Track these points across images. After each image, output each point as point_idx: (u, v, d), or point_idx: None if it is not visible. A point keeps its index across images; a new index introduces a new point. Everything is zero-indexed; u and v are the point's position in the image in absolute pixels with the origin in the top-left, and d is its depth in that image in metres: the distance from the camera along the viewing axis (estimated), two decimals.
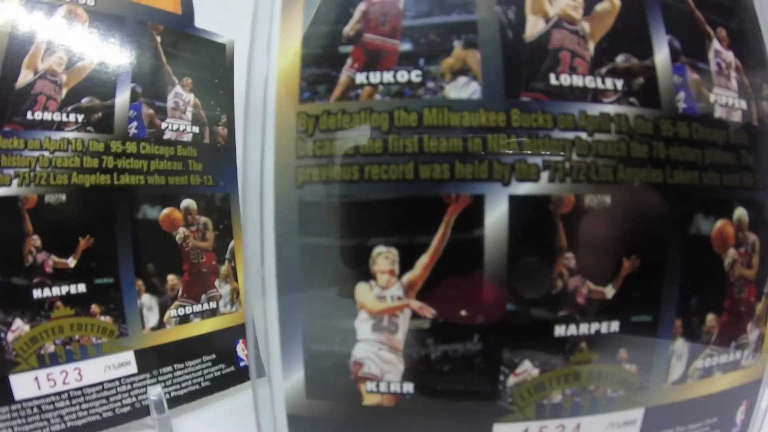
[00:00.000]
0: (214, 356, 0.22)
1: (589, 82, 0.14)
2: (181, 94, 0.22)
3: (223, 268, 0.23)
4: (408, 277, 0.13)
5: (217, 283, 0.23)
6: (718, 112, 0.16)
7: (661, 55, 0.15)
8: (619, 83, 0.14)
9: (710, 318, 0.16)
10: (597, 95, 0.14)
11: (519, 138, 0.13)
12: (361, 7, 0.14)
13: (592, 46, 0.14)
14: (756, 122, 0.17)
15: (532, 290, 0.13)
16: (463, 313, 0.13)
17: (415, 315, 0.13)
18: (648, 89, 0.14)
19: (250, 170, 0.14)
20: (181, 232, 0.21)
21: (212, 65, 0.23)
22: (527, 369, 0.14)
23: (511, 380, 0.14)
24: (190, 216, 0.22)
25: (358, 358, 0.14)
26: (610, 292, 0.14)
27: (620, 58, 0.14)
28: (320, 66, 0.14)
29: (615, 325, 0.14)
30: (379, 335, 0.14)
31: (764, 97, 0.18)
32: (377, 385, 0.14)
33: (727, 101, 0.16)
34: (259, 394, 0.15)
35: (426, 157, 0.13)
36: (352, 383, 0.14)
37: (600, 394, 0.15)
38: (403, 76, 0.13)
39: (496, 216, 0.13)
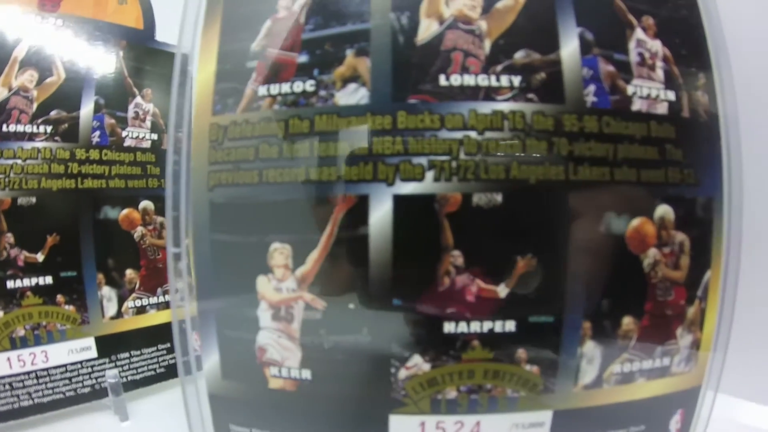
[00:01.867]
0: (168, 345, 0.26)
1: (482, 80, 0.15)
2: (141, 104, 0.25)
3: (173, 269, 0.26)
4: (300, 271, 0.15)
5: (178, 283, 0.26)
6: (637, 105, 0.16)
7: (569, 49, 0.16)
8: (516, 80, 0.15)
9: (627, 321, 0.17)
10: (490, 93, 0.15)
11: (404, 139, 0.15)
12: (267, 24, 0.16)
13: (488, 44, 0.15)
14: (687, 114, 0.17)
15: (416, 287, 0.15)
16: (351, 306, 0.15)
17: (309, 306, 0.15)
18: (550, 84, 0.15)
19: (170, 175, 0.16)
20: (139, 230, 0.25)
21: (171, 75, 0.26)
22: (418, 363, 0.15)
23: (403, 373, 0.15)
24: (148, 216, 0.25)
25: (261, 344, 0.16)
26: (503, 291, 0.15)
27: (519, 54, 0.16)
28: (230, 81, 0.16)
29: (510, 325, 0.15)
30: (278, 324, 0.16)
31: (700, 87, 0.18)
32: (279, 370, 0.16)
33: (649, 93, 0.17)
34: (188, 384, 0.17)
35: (316, 160, 0.15)
36: (258, 367, 0.16)
37: (499, 394, 0.16)
38: (298, 86, 0.15)
39: (380, 215, 0.15)
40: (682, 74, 0.17)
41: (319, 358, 0.16)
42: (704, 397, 0.19)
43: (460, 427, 0.16)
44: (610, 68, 0.16)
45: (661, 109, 0.17)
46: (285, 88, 0.16)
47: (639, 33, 0.17)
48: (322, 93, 0.15)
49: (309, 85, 0.15)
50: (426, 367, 0.15)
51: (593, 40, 0.16)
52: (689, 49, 0.18)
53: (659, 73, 0.17)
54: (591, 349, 0.16)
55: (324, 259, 0.15)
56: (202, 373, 0.17)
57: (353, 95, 0.15)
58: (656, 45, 0.17)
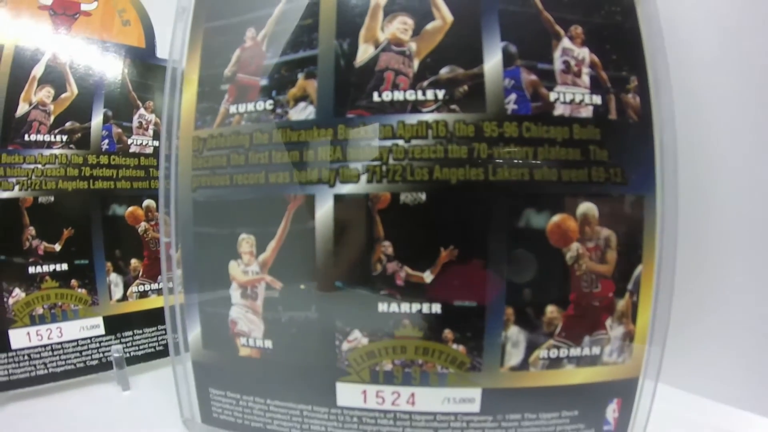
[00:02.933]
0: (166, 326, 0.32)
1: (410, 95, 0.20)
2: (144, 115, 0.33)
3: (177, 255, 0.33)
4: (262, 257, 0.21)
5: (172, 267, 0.33)
6: (560, 110, 0.21)
7: (492, 62, 0.21)
8: (440, 93, 0.20)
9: (551, 310, 0.21)
10: (417, 106, 0.20)
11: (343, 148, 0.20)
12: (237, 52, 0.22)
13: (417, 62, 0.21)
14: (614, 116, 0.21)
15: (353, 271, 0.20)
16: (302, 286, 0.21)
17: (269, 286, 0.21)
18: (472, 95, 0.20)
19: (163, 179, 0.23)
20: (143, 225, 0.33)
21: None
22: (358, 337, 0.21)
23: (345, 345, 0.21)
24: (150, 213, 0.33)
25: (233, 318, 0.22)
26: (428, 277, 0.20)
27: (444, 70, 0.21)
28: (208, 101, 0.23)
29: (437, 308, 0.20)
30: (245, 301, 0.22)
31: (631, 90, 0.21)
32: (247, 340, 0.22)
33: (573, 98, 0.21)
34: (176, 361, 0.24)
35: (273, 166, 0.21)
36: (231, 338, 0.23)
37: (430, 369, 0.21)
38: (260, 105, 0.21)
39: (323, 211, 0.20)
40: (611, 78, 0.21)
41: (278, 331, 0.22)
42: (642, 389, 0.22)
43: (397, 397, 0.22)
44: (533, 77, 0.21)
45: (586, 112, 0.21)
46: (250, 107, 0.22)
47: (566, 42, 0.21)
48: (279, 111, 0.21)
49: (268, 104, 0.21)
50: (365, 341, 0.21)
51: (516, 53, 0.21)
52: (621, 53, 0.22)
53: (585, 79, 0.21)
54: (515, 333, 0.21)
55: (280, 247, 0.21)
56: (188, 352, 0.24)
57: (303, 112, 0.21)
58: (584, 52, 0.21)
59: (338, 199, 0.20)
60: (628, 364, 0.22)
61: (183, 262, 0.23)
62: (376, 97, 0.20)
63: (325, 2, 0.22)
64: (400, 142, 0.20)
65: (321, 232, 0.21)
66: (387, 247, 0.20)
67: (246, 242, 0.22)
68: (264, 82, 0.22)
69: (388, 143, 0.20)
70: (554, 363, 0.21)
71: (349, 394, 0.22)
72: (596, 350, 0.22)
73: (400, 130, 0.20)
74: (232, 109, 0.22)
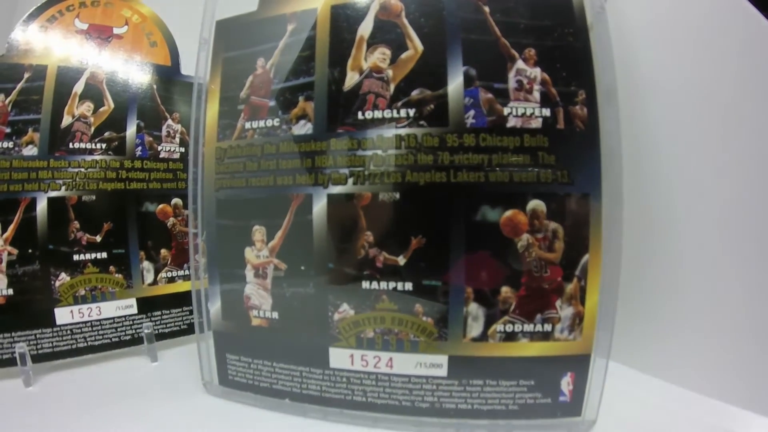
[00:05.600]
0: (191, 308, 0.42)
1: (387, 114, 0.29)
2: (172, 125, 0.44)
3: (201, 246, 0.44)
4: (271, 243, 0.31)
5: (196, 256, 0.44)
6: (512, 122, 0.29)
7: (455, 84, 0.29)
8: (411, 111, 0.29)
9: (505, 290, 0.29)
10: (392, 122, 0.29)
11: (334, 157, 0.29)
12: (250, 78, 0.32)
13: (393, 86, 0.29)
14: (562, 126, 0.29)
15: (342, 256, 0.29)
16: (302, 268, 0.30)
17: (276, 268, 0.30)
18: (437, 112, 0.29)
19: (192, 181, 0.33)
20: (171, 221, 0.44)
21: None
22: (346, 309, 0.30)
23: (336, 316, 0.30)
24: (178, 210, 0.44)
25: (247, 294, 0.32)
26: (402, 260, 0.29)
27: (414, 92, 0.29)
28: (228, 118, 0.32)
29: (409, 286, 0.29)
30: (257, 279, 0.31)
31: (579, 102, 0.29)
32: (258, 312, 0.31)
33: (524, 112, 0.29)
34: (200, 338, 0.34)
35: (280, 171, 0.30)
36: (245, 310, 0.32)
37: (404, 337, 0.29)
38: (269, 122, 0.31)
39: (319, 207, 0.29)
40: (560, 93, 0.29)
41: (283, 304, 0.31)
42: (594, 365, 0.30)
43: (378, 360, 0.30)
44: (489, 95, 0.29)
45: (536, 123, 0.29)
46: (261, 123, 0.31)
47: (519, 63, 0.29)
48: (284, 127, 0.30)
49: (275, 122, 0.31)
50: (351, 312, 0.30)
51: (476, 75, 0.29)
52: (570, 70, 0.29)
53: (536, 95, 0.29)
54: (475, 309, 0.29)
55: (285, 236, 0.30)
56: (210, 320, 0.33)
57: (303, 128, 0.30)
58: (536, 72, 0.29)
59: (330, 197, 0.29)
60: (579, 342, 0.30)
61: (207, 249, 0.33)
62: (360, 115, 0.29)
63: (320, 36, 0.31)
64: (379, 151, 0.29)
65: (317, 224, 0.30)
66: (369, 236, 0.29)
67: (258, 232, 0.31)
68: (272, 103, 0.31)
69: (369, 153, 0.29)
70: (510, 336, 0.29)
71: (339, 357, 0.30)
72: (548, 327, 0.29)
73: (379, 141, 0.29)
74: (247, 125, 0.32)
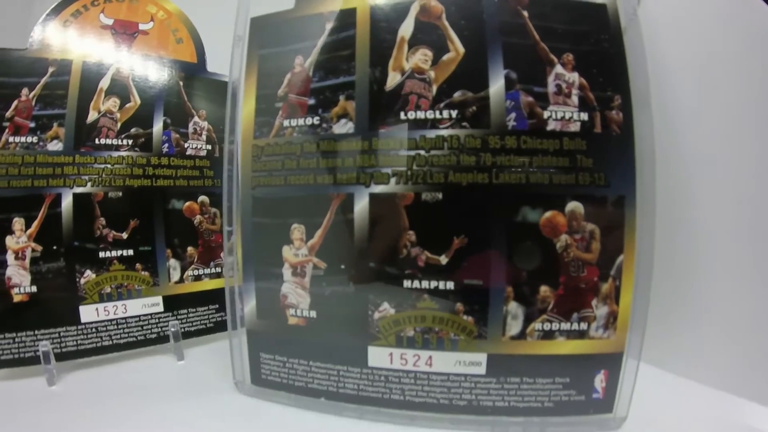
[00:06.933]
0: (217, 306, 0.43)
1: (429, 114, 0.29)
2: (198, 122, 0.43)
3: (227, 244, 0.43)
4: (310, 242, 0.30)
5: (222, 254, 0.43)
6: (551, 126, 0.29)
7: (496, 87, 0.29)
8: (454, 113, 0.28)
9: (544, 289, 0.29)
10: (435, 123, 0.28)
11: (376, 156, 0.28)
12: (288, 76, 0.31)
13: (435, 88, 0.29)
14: (599, 129, 0.29)
15: (384, 255, 0.28)
16: (342, 266, 0.29)
17: (315, 266, 0.30)
18: (479, 114, 0.28)
19: (228, 179, 0.32)
20: (198, 218, 0.42)
21: (220, 99, 0.42)
22: (386, 308, 0.29)
23: (376, 315, 0.29)
24: (204, 207, 0.43)
25: (284, 293, 0.31)
26: (444, 260, 0.28)
27: (457, 94, 0.29)
28: (265, 116, 0.31)
29: (450, 285, 0.29)
30: (295, 278, 0.30)
31: (614, 107, 0.29)
32: (295, 311, 0.31)
33: (563, 115, 0.29)
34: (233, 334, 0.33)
35: (320, 170, 0.29)
36: (281, 309, 0.31)
37: (444, 336, 0.29)
38: (308, 120, 0.30)
39: (360, 206, 0.29)
40: (597, 98, 0.29)
41: (322, 303, 0.30)
42: (627, 362, 0.30)
43: (417, 359, 0.30)
44: (530, 99, 0.29)
45: (574, 127, 0.29)
46: (300, 121, 0.30)
47: (558, 68, 0.29)
48: (324, 125, 0.30)
49: (315, 120, 0.30)
50: (392, 311, 0.29)
51: (516, 78, 0.29)
52: (606, 75, 0.29)
53: (574, 99, 0.29)
54: (514, 308, 0.29)
55: (325, 234, 0.29)
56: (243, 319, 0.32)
57: (344, 127, 0.29)
58: (573, 76, 0.29)
59: (372, 197, 0.29)
60: (612, 340, 0.30)
61: (242, 247, 0.32)
62: (402, 116, 0.29)
63: (360, 36, 0.30)
64: (422, 152, 0.28)
65: (358, 223, 0.29)
66: (411, 235, 0.29)
67: (297, 230, 0.30)
68: (311, 101, 0.30)
69: (412, 153, 0.29)
70: (547, 335, 0.29)
71: (378, 356, 0.30)
72: (584, 326, 0.29)
73: (422, 142, 0.29)
74: (285, 123, 0.31)
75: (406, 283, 0.29)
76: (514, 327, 0.29)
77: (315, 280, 0.30)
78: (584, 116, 0.29)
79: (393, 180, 0.29)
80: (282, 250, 0.31)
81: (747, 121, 0.34)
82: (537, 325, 0.29)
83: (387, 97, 0.29)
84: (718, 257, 0.35)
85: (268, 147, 0.31)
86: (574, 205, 0.29)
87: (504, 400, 0.30)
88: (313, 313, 0.31)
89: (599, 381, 0.30)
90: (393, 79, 0.29)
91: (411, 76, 0.29)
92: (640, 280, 0.29)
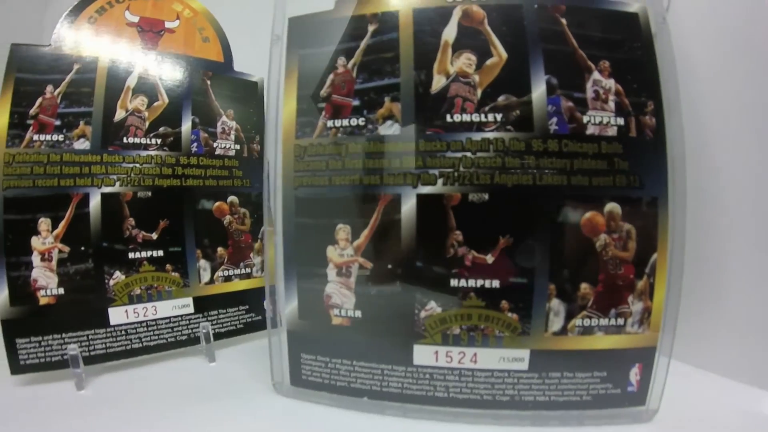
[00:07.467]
0: (247, 307, 0.43)
1: (475, 117, 0.29)
2: (226, 122, 0.42)
3: (257, 245, 0.44)
4: (356, 242, 0.30)
5: (252, 255, 0.44)
6: (590, 130, 0.29)
7: (538, 92, 0.29)
8: (499, 116, 0.29)
9: (584, 286, 0.30)
10: (480, 126, 0.29)
11: (423, 158, 0.28)
12: (331, 77, 0.31)
13: (479, 91, 0.29)
14: (634, 134, 0.30)
15: (432, 254, 0.28)
16: (389, 266, 0.29)
17: (361, 266, 0.30)
18: (523, 118, 0.29)
19: (268, 178, 0.31)
20: (227, 218, 0.42)
21: (247, 98, 0.43)
22: (433, 307, 0.29)
23: (423, 314, 0.29)
24: (234, 207, 0.42)
25: (328, 293, 0.31)
26: (490, 259, 0.29)
27: (501, 98, 0.29)
28: (306, 116, 0.31)
29: (496, 283, 0.29)
30: (340, 278, 0.30)
31: (648, 113, 0.30)
32: (339, 311, 0.31)
33: (601, 120, 0.30)
34: (272, 333, 0.32)
35: (366, 171, 0.29)
36: (325, 309, 0.31)
37: (489, 333, 0.30)
38: (353, 121, 0.30)
39: (408, 207, 0.29)
40: (632, 104, 0.30)
41: (367, 302, 0.30)
42: (659, 357, 0.31)
43: (462, 356, 0.30)
44: (570, 104, 0.29)
45: (611, 132, 0.30)
46: (345, 122, 0.30)
47: (596, 75, 0.30)
48: (369, 126, 0.30)
49: (360, 121, 0.30)
50: (439, 310, 0.29)
51: (557, 84, 0.30)
52: (640, 82, 0.30)
53: (611, 105, 0.30)
54: (556, 305, 0.30)
55: (372, 235, 0.29)
56: (283, 319, 0.32)
57: (390, 128, 0.29)
58: (610, 83, 0.30)
59: (420, 197, 0.29)
60: (647, 335, 0.31)
61: (284, 247, 0.32)
62: (448, 118, 0.29)
63: (404, 39, 0.30)
64: (468, 153, 0.29)
65: (406, 223, 0.29)
66: (458, 235, 0.29)
67: (343, 230, 0.30)
68: (356, 102, 0.30)
69: (459, 155, 0.29)
70: (587, 330, 0.30)
71: (423, 354, 0.30)
72: (620, 321, 0.30)
73: (468, 144, 0.29)
74: (329, 123, 0.31)
75: (453, 282, 0.29)
76: (555, 323, 0.30)
77: (361, 279, 0.30)
78: (620, 121, 0.30)
79: (440, 181, 0.29)
80: (326, 251, 0.31)
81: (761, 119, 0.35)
82: (577, 321, 0.30)
83: (433, 100, 0.30)
84: (744, 255, 0.37)
85: (312, 147, 0.31)
86: (612, 206, 0.30)
87: (545, 394, 0.30)
88: (358, 313, 0.31)
89: (634, 374, 0.31)
90: (438, 82, 0.30)
91: (456, 79, 0.30)
92: (672, 277, 0.31)
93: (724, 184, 0.38)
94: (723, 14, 0.37)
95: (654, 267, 0.30)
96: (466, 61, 0.30)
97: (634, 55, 0.31)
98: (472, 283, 0.29)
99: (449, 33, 0.30)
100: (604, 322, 0.30)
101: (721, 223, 0.38)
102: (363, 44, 0.31)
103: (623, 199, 0.30)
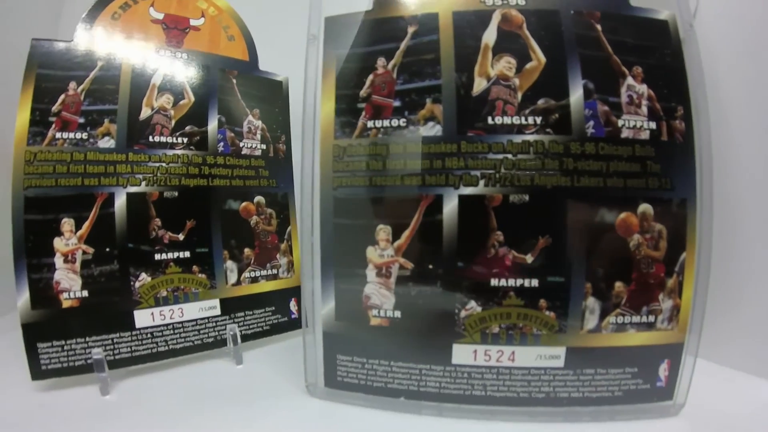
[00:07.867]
0: (273, 308, 0.42)
1: (516, 120, 0.29)
2: (252, 121, 0.41)
3: (283, 246, 0.43)
4: (397, 243, 0.30)
5: (278, 256, 0.43)
6: (625, 134, 0.30)
7: (576, 96, 0.30)
8: (538, 119, 0.29)
9: (618, 285, 0.30)
10: (521, 129, 0.29)
11: (465, 159, 0.29)
12: (370, 77, 0.31)
13: (519, 95, 0.29)
14: (665, 138, 0.31)
15: (472, 254, 0.29)
16: (430, 266, 0.29)
17: (402, 267, 0.30)
18: (562, 121, 0.30)
19: (305, 178, 0.31)
20: (254, 219, 0.41)
21: (273, 98, 0.42)
22: (473, 306, 0.30)
23: (463, 313, 0.30)
24: (260, 208, 0.42)
25: (367, 294, 0.31)
26: (529, 258, 0.29)
27: (540, 101, 0.30)
28: (346, 116, 0.31)
29: (535, 282, 0.29)
30: (380, 279, 0.30)
31: (678, 117, 0.31)
32: (378, 312, 0.30)
33: (635, 124, 0.30)
34: (306, 333, 0.32)
35: (408, 171, 0.29)
36: (363, 310, 0.31)
37: (527, 331, 0.30)
38: (394, 122, 0.30)
39: (450, 207, 0.29)
40: (663, 108, 0.31)
41: (407, 302, 0.30)
42: (687, 353, 0.32)
43: (501, 354, 0.30)
44: (606, 108, 0.30)
45: (644, 135, 0.30)
46: (386, 123, 0.30)
47: (629, 80, 0.31)
48: (411, 128, 0.30)
49: (402, 122, 0.30)
50: (478, 309, 0.30)
51: (593, 89, 0.30)
52: (670, 88, 0.31)
53: (644, 109, 0.31)
54: (592, 303, 0.30)
55: (413, 235, 0.29)
56: (317, 322, 0.32)
57: (431, 130, 0.30)
58: (643, 88, 0.31)
59: (462, 198, 0.29)
60: (675, 331, 0.31)
61: (322, 248, 0.31)
62: (490, 120, 0.29)
63: (444, 41, 0.31)
64: (509, 155, 0.29)
65: (447, 224, 0.29)
66: (499, 235, 0.29)
67: (383, 231, 0.30)
68: (396, 103, 0.30)
69: (500, 156, 0.29)
70: (620, 327, 0.31)
71: (462, 353, 0.30)
72: (651, 318, 0.31)
73: (509, 146, 0.29)
74: (369, 123, 0.31)
75: (494, 282, 0.30)
76: (591, 321, 0.30)
77: (401, 280, 0.30)
78: (653, 125, 0.31)
79: (482, 182, 0.29)
80: (366, 251, 0.31)
81: None
82: (611, 318, 0.30)
83: (474, 102, 0.30)
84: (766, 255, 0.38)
85: (351, 147, 0.31)
86: (645, 207, 0.31)
87: (579, 390, 0.31)
88: (398, 314, 0.31)
89: (663, 370, 0.32)
90: (479, 84, 0.30)
91: (497, 82, 0.30)
92: (700, 275, 0.31)
93: (750, 186, 0.39)
94: (748, 20, 0.38)
95: (683, 266, 0.31)
96: (506, 64, 0.30)
97: (664, 61, 0.32)
98: (512, 282, 0.30)
99: (489, 36, 0.31)
100: (636, 319, 0.31)
101: (746, 224, 0.39)
102: (403, 45, 0.31)
103: (655, 200, 0.31)
